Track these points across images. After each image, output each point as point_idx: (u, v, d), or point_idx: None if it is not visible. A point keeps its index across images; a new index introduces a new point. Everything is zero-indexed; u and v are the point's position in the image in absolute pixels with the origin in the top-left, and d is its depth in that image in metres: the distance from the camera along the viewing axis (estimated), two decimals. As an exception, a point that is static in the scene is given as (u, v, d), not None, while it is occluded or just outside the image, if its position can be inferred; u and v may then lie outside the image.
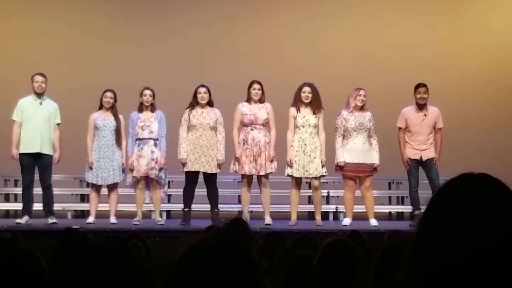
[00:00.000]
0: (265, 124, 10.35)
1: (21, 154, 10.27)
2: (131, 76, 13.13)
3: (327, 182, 11.14)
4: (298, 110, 10.29)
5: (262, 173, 10.27)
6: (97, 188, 10.62)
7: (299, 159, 10.25)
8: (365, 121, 10.24)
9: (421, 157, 10.49)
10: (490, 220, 1.49)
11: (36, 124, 10.28)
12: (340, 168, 10.27)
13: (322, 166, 10.28)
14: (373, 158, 10.25)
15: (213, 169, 10.38)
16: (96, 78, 12.67)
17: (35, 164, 10.35)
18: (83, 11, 14.01)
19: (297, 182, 10.41)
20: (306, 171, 10.26)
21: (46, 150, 10.32)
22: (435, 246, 1.50)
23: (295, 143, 10.28)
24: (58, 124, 10.45)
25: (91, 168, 10.50)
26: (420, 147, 10.49)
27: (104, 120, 10.51)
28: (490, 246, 1.47)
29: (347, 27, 14.01)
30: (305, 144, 10.26)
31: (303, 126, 10.27)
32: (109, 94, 10.59)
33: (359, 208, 10.58)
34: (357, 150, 10.23)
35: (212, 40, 13.95)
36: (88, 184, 10.94)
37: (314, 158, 10.25)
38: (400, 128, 10.56)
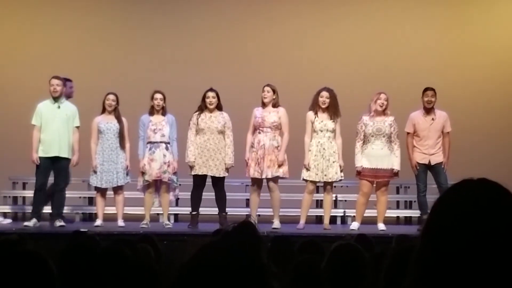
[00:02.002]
0: (273, 128, 10.30)
1: (39, 157, 10.30)
2: (140, 79, 13.14)
3: (335, 186, 11.12)
4: (316, 114, 10.29)
5: (263, 176, 10.24)
6: (102, 191, 10.64)
7: (318, 163, 10.25)
8: (384, 126, 10.22)
9: (429, 162, 10.47)
10: (491, 224, 1.50)
11: (54, 128, 10.32)
12: (358, 173, 10.28)
13: (341, 171, 10.28)
14: (393, 163, 10.22)
15: (220, 173, 10.39)
16: (105, 81, 12.68)
17: (51, 168, 10.39)
18: (93, 16, 14.03)
19: (312, 187, 10.40)
20: (325, 175, 10.26)
21: (65, 154, 10.35)
22: (438, 253, 1.51)
23: (313, 147, 10.28)
24: (77, 127, 10.49)
25: (95, 171, 10.53)
26: (429, 151, 10.47)
27: (107, 123, 10.54)
28: (492, 250, 1.48)
29: (356, 31, 13.99)
30: (323, 149, 10.26)
31: (321, 131, 10.26)
32: (111, 97, 10.61)
33: (367, 212, 10.57)
34: (375, 155, 10.22)
35: (223, 43, 13.94)
36: (95, 187, 10.95)
37: (333, 162, 10.26)
38: (408, 133, 10.55)
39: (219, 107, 10.47)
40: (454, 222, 1.52)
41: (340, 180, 10.47)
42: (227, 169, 10.41)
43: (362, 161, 10.24)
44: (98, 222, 10.50)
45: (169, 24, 14.09)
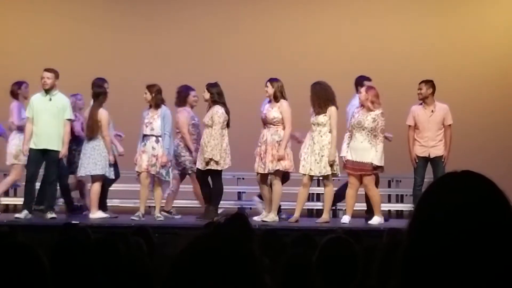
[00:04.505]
0: (275, 123, 10.25)
1: (29, 149, 10.30)
2: (134, 73, 13.12)
3: (333, 179, 11.07)
4: None
5: (266, 171, 10.23)
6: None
7: (307, 156, 10.23)
8: (364, 119, 10.12)
9: (429, 154, 10.45)
10: (476, 216, 1.51)
11: (44, 120, 10.33)
12: (343, 164, 10.27)
13: (331, 165, 10.20)
14: (372, 157, 10.16)
15: (199, 166, 10.41)
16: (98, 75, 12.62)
17: (42, 159, 10.39)
18: (87, 9, 14.05)
19: (305, 180, 10.35)
20: (310, 169, 10.25)
21: (54, 146, 10.35)
22: (423, 247, 1.51)
23: (307, 141, 10.31)
24: (68, 120, 10.49)
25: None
26: (428, 143, 10.44)
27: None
28: (477, 243, 1.48)
29: (351, 24, 13.99)
30: (313, 143, 10.25)
31: (313, 125, 10.25)
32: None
33: (358, 206, 10.58)
34: (356, 148, 10.19)
35: (219, 37, 13.90)
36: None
37: (322, 156, 10.20)
38: (409, 126, 10.51)
39: (214, 102, 10.45)
40: (438, 216, 1.52)
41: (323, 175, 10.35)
42: (207, 163, 10.37)
43: (347, 153, 10.22)
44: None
45: (166, 18, 14.06)
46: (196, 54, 13.77)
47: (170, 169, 10.59)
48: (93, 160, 10.48)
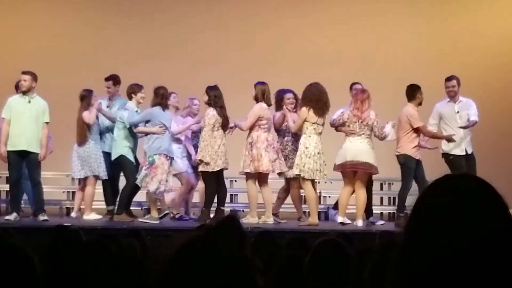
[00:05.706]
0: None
1: (8, 151, 10.27)
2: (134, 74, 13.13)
3: (318, 182, 11.13)
4: None
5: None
6: None
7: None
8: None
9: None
10: (472, 219, 1.50)
11: (23, 122, 10.28)
12: None
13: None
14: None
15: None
16: (90, 77, 12.62)
17: (22, 161, 10.36)
18: (84, 10, 14.03)
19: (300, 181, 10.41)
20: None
21: (33, 148, 10.30)
22: (420, 248, 1.51)
23: None
24: (47, 123, 10.46)
25: None
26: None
27: None
28: (475, 246, 1.48)
29: (344, 25, 14.04)
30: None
31: None
32: None
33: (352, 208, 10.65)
34: None
35: (219, 39, 13.96)
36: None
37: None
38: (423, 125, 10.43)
39: (209, 104, 10.49)
40: (436, 217, 1.52)
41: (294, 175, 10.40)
42: (198, 165, 10.46)
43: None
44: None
45: (164, 21, 14.09)
46: (197, 55, 13.79)
47: (141, 169, 10.38)
48: (87, 163, 10.53)
